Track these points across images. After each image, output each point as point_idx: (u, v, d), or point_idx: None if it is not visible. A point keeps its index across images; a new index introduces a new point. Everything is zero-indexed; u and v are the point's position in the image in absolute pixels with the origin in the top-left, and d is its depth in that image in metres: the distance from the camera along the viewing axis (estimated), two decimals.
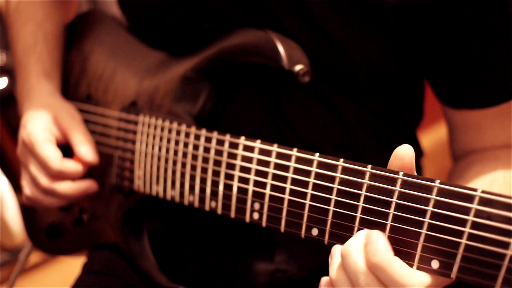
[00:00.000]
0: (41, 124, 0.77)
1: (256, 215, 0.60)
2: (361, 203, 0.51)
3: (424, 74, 0.70)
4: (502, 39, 0.61)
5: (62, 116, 0.78)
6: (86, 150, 0.76)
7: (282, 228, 0.58)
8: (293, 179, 0.57)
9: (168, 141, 0.70)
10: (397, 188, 0.49)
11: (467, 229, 0.45)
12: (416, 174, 0.49)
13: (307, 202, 0.55)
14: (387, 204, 0.50)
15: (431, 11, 0.60)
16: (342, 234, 0.53)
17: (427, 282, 0.47)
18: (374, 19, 0.61)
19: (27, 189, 0.79)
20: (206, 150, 0.65)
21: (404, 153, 0.49)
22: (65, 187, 0.76)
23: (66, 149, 0.78)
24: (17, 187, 1.63)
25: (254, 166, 0.60)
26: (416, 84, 0.72)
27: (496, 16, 0.59)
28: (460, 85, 0.66)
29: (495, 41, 0.61)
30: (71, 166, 0.75)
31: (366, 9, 0.61)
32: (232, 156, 0.62)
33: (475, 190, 0.45)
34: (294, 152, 0.57)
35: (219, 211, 0.64)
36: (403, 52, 0.64)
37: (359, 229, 0.52)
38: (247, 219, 0.61)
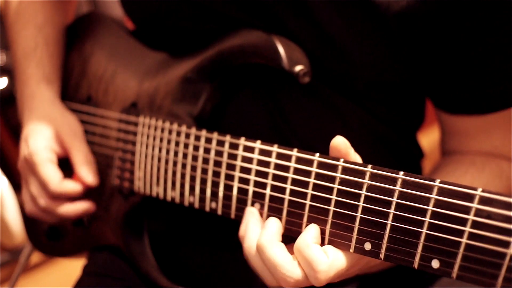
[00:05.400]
0: (43, 142, 0.77)
1: None
2: (361, 203, 0.52)
3: (422, 79, 0.69)
4: (504, 47, 0.60)
5: (64, 131, 0.79)
6: (86, 172, 0.78)
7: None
8: (293, 179, 0.57)
9: (169, 142, 0.70)
10: (397, 187, 0.49)
11: (467, 228, 0.45)
12: (353, 159, 0.54)
13: (308, 202, 0.55)
14: (388, 204, 0.50)
15: (434, 18, 0.60)
16: (342, 234, 0.53)
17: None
18: (377, 24, 0.61)
19: (28, 206, 0.81)
20: (206, 151, 0.65)
21: (337, 144, 0.54)
22: (65, 209, 0.78)
23: (67, 161, 0.79)
24: (17, 187, 1.62)
25: (254, 166, 0.60)
26: (418, 89, 0.72)
27: (500, 24, 0.59)
28: (453, 91, 0.66)
29: (496, 50, 0.61)
30: (71, 187, 0.76)
31: (369, 14, 0.61)
32: (232, 157, 0.62)
33: (475, 189, 0.45)
34: (294, 153, 0.57)
35: (220, 211, 0.64)
36: (405, 58, 0.64)
37: (359, 229, 0.52)
38: None
